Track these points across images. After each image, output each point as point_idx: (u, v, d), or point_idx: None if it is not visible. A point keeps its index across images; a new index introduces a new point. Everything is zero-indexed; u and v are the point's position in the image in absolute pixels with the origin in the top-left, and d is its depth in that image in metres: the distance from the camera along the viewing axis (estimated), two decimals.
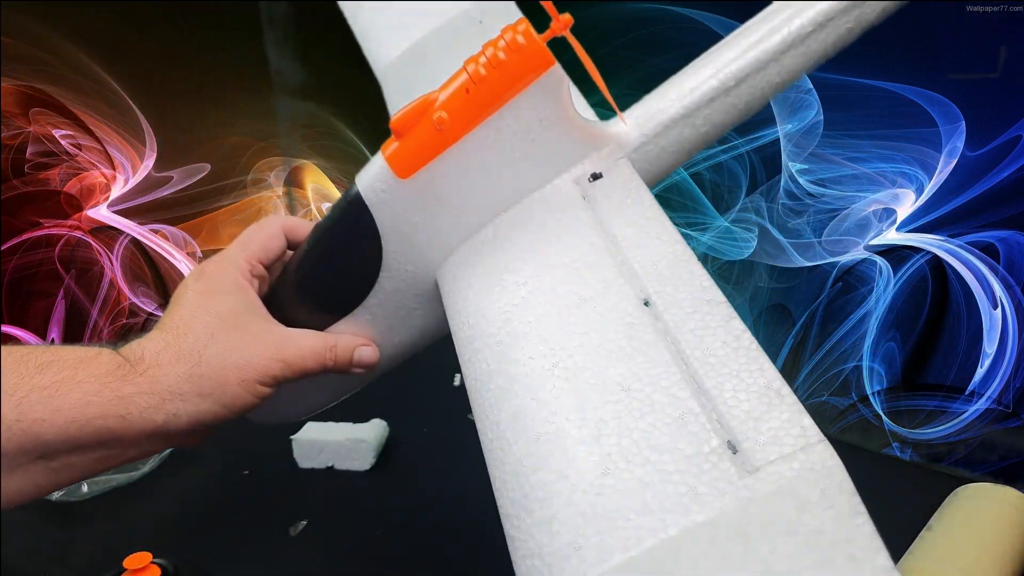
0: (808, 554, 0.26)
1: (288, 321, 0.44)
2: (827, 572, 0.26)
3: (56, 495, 0.61)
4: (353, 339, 0.45)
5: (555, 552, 0.31)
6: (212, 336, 0.40)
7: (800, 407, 0.30)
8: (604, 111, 0.49)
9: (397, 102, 0.59)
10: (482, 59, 0.39)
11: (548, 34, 0.40)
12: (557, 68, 0.40)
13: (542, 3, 0.40)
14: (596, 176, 0.43)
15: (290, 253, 0.47)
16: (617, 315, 0.35)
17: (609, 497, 0.30)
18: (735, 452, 0.29)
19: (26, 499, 0.37)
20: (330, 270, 0.46)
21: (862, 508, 0.27)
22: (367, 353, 0.45)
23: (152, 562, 0.45)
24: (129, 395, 0.37)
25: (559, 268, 0.39)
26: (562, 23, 0.40)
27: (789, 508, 0.28)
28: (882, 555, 0.25)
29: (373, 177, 0.42)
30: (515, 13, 0.54)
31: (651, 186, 0.44)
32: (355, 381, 0.50)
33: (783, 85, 0.44)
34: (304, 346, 0.42)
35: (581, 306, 0.37)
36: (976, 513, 0.53)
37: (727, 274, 0.77)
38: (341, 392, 0.52)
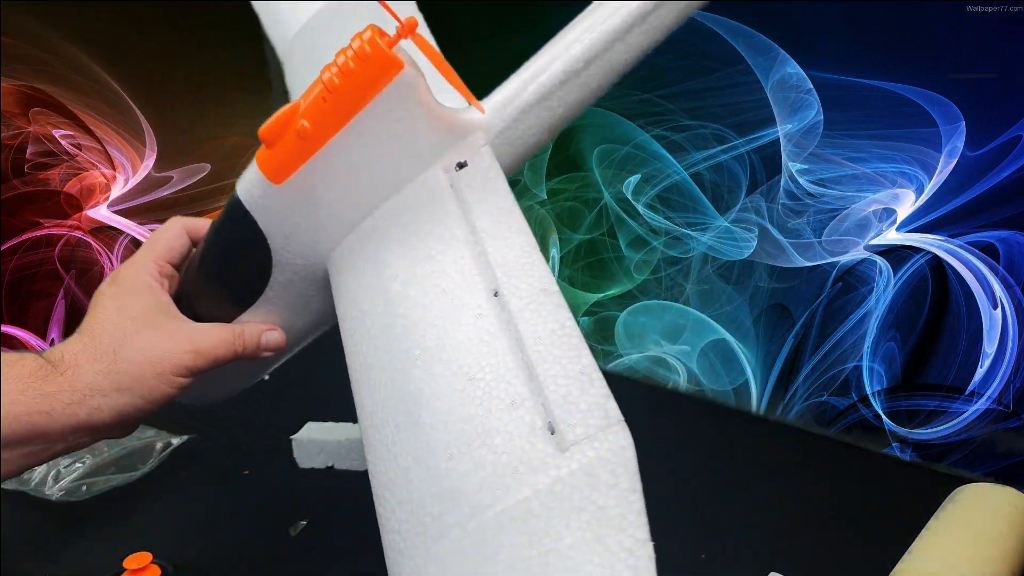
0: (591, 528, 0.29)
1: (197, 316, 0.47)
2: (601, 546, 0.29)
3: (56, 495, 0.61)
4: (258, 326, 0.48)
5: (410, 529, 0.35)
6: (126, 335, 0.43)
7: (607, 391, 0.33)
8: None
9: (299, 82, 0.64)
10: (334, 68, 0.41)
11: (394, 39, 0.41)
12: (408, 70, 0.42)
13: (382, 4, 0.42)
14: (462, 165, 0.45)
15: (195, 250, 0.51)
16: (470, 307, 0.38)
17: (453, 479, 0.33)
18: (552, 433, 0.32)
19: None
20: (225, 269, 0.49)
21: (638, 486, 0.31)
22: (273, 337, 0.48)
23: (152, 562, 0.45)
24: (52, 393, 0.40)
25: (426, 261, 0.42)
26: (407, 27, 0.41)
27: (585, 485, 0.31)
28: (642, 530, 0.30)
29: (250, 184, 0.45)
30: None
31: (518, 166, 0.48)
32: (270, 362, 0.53)
33: (633, 61, 0.48)
34: (213, 337, 0.46)
35: (441, 298, 0.39)
36: (976, 513, 0.53)
37: (727, 274, 0.77)
38: (259, 371, 0.56)
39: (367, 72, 0.41)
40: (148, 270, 0.47)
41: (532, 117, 0.46)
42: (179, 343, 0.44)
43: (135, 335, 0.43)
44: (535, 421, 0.33)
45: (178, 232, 0.50)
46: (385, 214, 0.46)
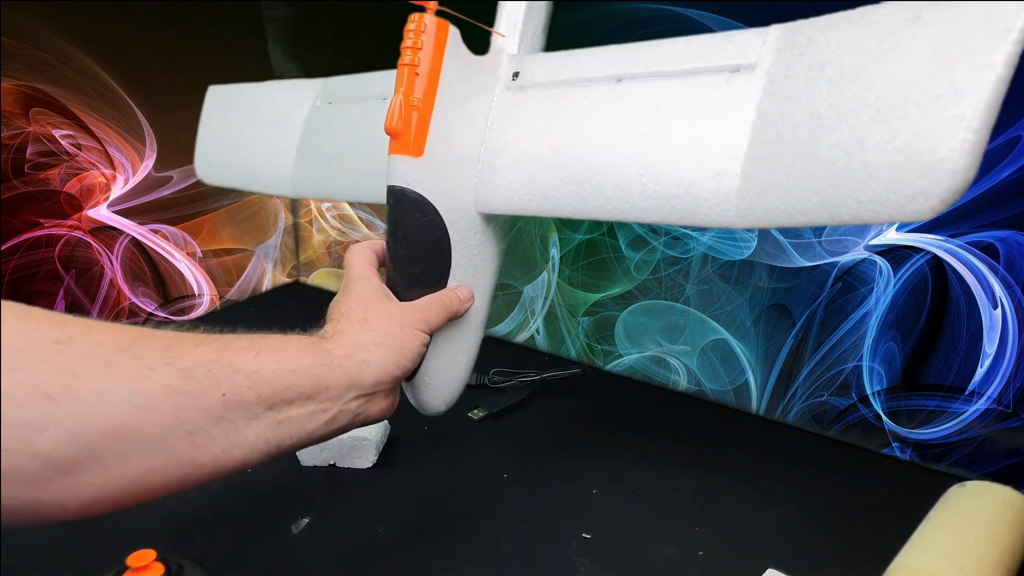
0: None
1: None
2: None
3: None
4: (449, 289, 0.57)
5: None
6: (368, 306, 0.51)
7: None
8: None
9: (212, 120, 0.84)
10: (408, 52, 0.53)
11: (431, 11, 0.54)
12: (454, 28, 0.54)
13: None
14: (516, 75, 0.58)
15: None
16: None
17: None
18: None
19: (257, 458, 0.42)
20: (419, 252, 0.56)
21: None
22: (464, 291, 0.57)
23: (155, 560, 0.45)
24: (328, 349, 0.46)
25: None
26: (431, 5, 0.53)
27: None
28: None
29: (401, 171, 0.54)
30: None
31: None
32: (472, 339, 0.61)
33: None
34: (428, 300, 0.55)
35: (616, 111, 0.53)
36: (972, 510, 0.53)
37: (727, 274, 0.77)
38: (468, 363, 0.63)
39: (435, 38, 0.53)
40: (364, 265, 0.55)
41: (530, 25, 0.61)
42: (408, 307, 0.53)
43: (375, 304, 0.52)
44: None
45: (370, 244, 0.58)
46: (493, 140, 0.57)
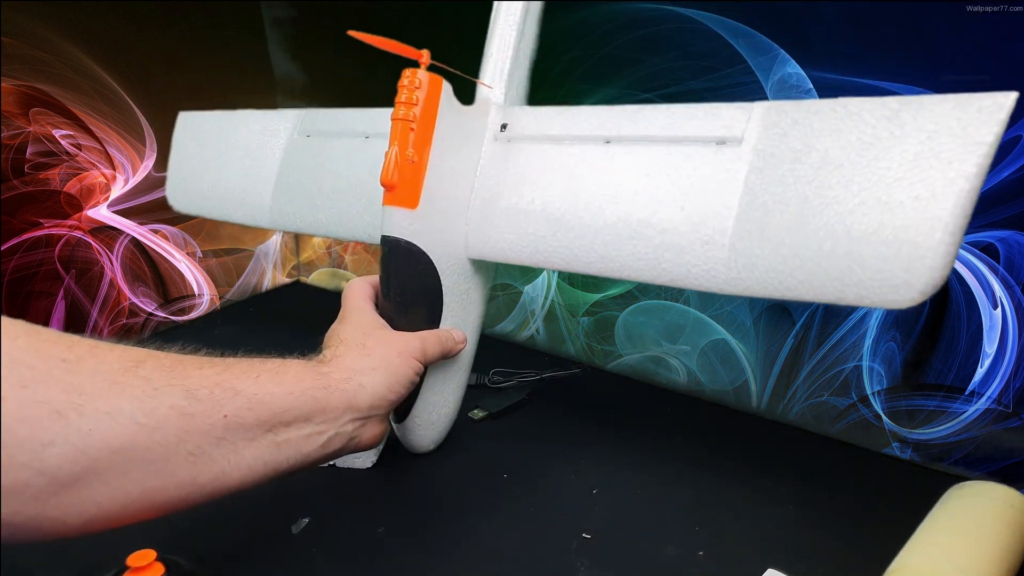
0: None
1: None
2: None
3: None
4: (444, 329, 0.60)
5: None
6: (367, 333, 0.53)
7: None
8: None
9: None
10: (403, 107, 0.54)
11: (424, 65, 0.55)
12: (447, 84, 0.57)
13: (398, 48, 0.54)
14: (504, 127, 0.61)
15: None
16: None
17: None
18: None
19: (254, 479, 0.43)
20: (413, 298, 0.59)
21: None
22: (457, 333, 0.61)
23: (156, 560, 0.45)
24: (326, 372, 0.47)
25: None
26: (425, 59, 0.55)
27: None
28: None
29: (396, 223, 0.56)
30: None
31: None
32: (461, 379, 0.66)
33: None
34: (426, 334, 0.57)
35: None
36: (972, 510, 0.53)
37: None
38: (456, 403, 0.67)
39: (428, 93, 0.55)
40: (362, 298, 0.58)
41: (516, 77, 0.64)
42: (406, 336, 0.55)
43: (373, 331, 0.54)
44: None
45: (368, 279, 0.62)
46: (483, 189, 0.60)
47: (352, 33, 0.52)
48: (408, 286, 0.58)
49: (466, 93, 0.61)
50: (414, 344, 0.54)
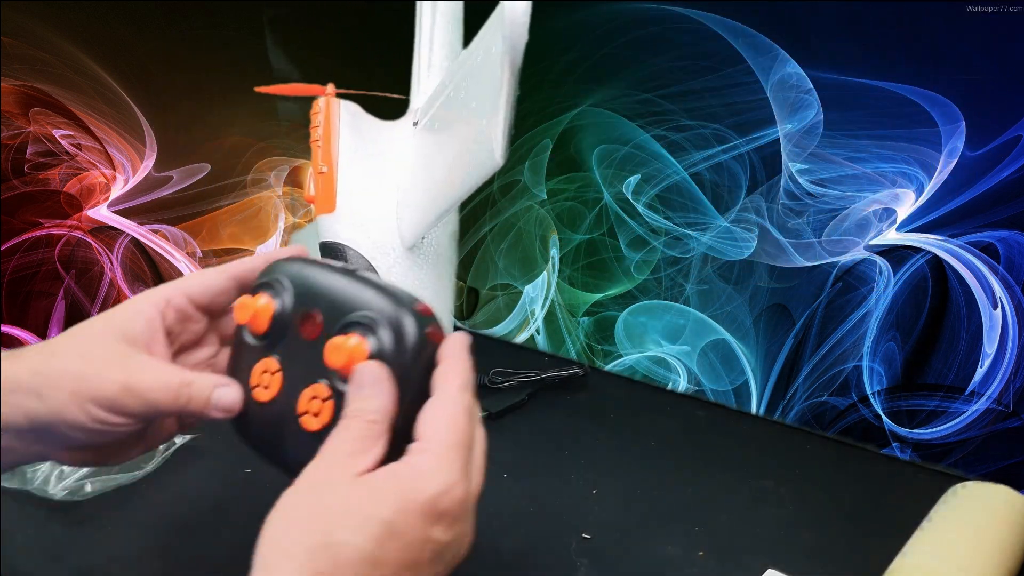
0: None
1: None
2: None
3: (59, 494, 0.61)
4: (211, 378, 0.41)
5: None
6: (73, 339, 0.39)
7: None
8: None
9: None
10: (312, 134, 0.63)
11: (331, 95, 0.64)
12: (345, 103, 0.64)
13: (301, 90, 0.65)
14: (415, 123, 0.65)
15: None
16: None
17: None
18: None
19: None
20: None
21: None
22: (226, 395, 0.41)
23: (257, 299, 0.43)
24: None
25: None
26: (330, 89, 0.64)
27: None
28: None
29: (324, 227, 0.62)
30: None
31: None
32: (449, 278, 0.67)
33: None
34: (155, 376, 0.39)
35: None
36: (972, 510, 0.53)
37: (727, 274, 0.77)
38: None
39: (326, 115, 0.63)
40: (154, 298, 0.42)
41: (429, 83, 0.67)
42: (111, 369, 0.38)
43: (81, 341, 0.39)
44: None
45: (220, 271, 0.45)
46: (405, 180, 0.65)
47: (259, 89, 0.63)
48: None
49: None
50: (106, 386, 0.38)
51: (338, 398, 0.38)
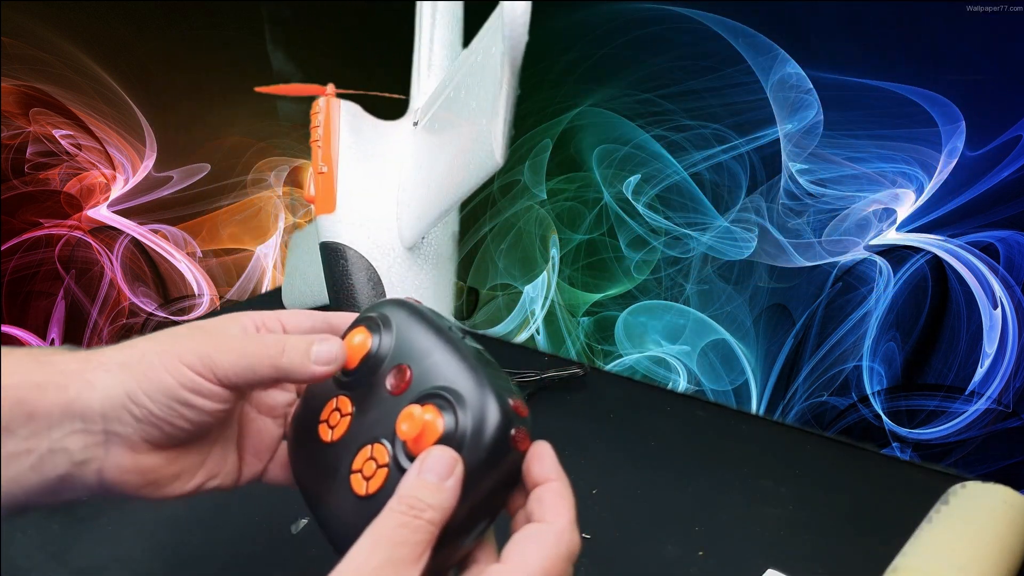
0: None
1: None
2: None
3: None
4: (307, 337, 0.38)
5: None
6: (154, 336, 0.37)
7: None
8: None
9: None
10: (312, 134, 0.63)
11: (331, 95, 0.65)
12: (345, 103, 0.64)
13: (304, 90, 0.66)
14: (415, 123, 0.67)
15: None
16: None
17: None
18: None
19: None
20: (348, 290, 0.65)
21: None
22: (327, 347, 0.37)
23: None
24: (48, 361, 0.34)
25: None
26: (330, 90, 0.65)
27: None
28: None
29: (328, 228, 0.63)
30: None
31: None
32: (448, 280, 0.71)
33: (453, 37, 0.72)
34: (247, 340, 0.37)
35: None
36: (972, 510, 0.53)
37: (727, 274, 0.77)
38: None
39: (326, 116, 0.63)
40: (250, 314, 0.40)
41: (429, 85, 0.68)
42: (200, 337, 0.36)
43: (162, 334, 0.37)
44: None
45: (315, 313, 0.42)
46: (406, 182, 0.66)
47: (259, 89, 0.63)
48: (339, 282, 0.62)
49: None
50: (199, 346, 0.35)
51: (394, 469, 0.33)
